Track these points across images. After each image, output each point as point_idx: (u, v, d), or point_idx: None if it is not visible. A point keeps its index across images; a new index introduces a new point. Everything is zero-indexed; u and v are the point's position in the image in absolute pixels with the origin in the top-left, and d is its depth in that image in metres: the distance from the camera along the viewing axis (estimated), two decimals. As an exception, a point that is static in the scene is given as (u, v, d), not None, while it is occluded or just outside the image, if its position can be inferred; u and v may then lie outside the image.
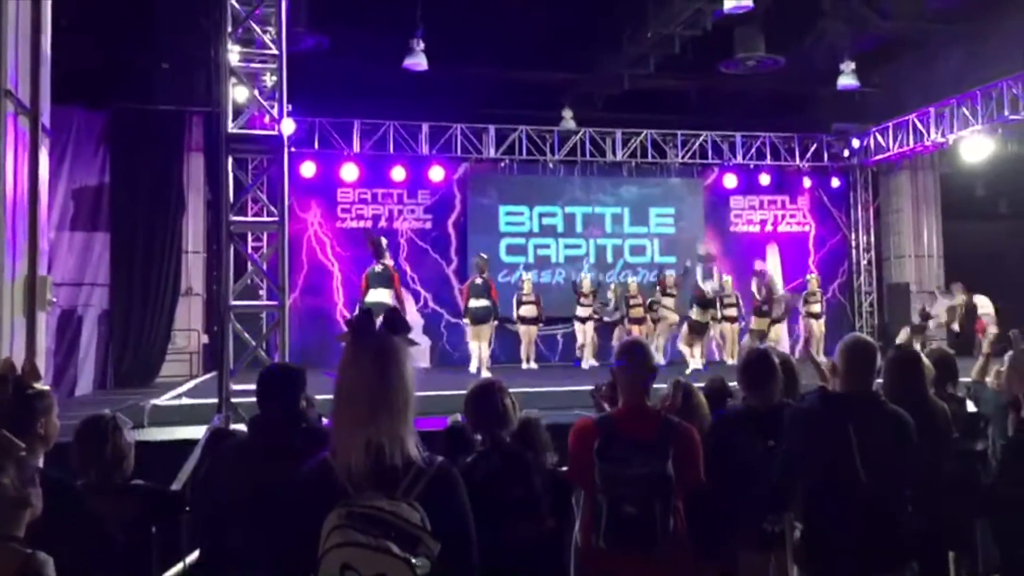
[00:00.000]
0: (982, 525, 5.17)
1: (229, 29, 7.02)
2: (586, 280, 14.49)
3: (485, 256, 13.11)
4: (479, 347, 12.44)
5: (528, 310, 13.75)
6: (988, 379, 5.32)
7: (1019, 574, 3.78)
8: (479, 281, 12.54)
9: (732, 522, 4.09)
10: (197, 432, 6.23)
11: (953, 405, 4.84)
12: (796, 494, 3.59)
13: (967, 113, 13.83)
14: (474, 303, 12.44)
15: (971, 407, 5.22)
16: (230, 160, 6.85)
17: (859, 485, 3.32)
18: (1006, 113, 12.96)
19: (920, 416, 3.73)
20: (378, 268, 10.67)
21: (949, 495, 4.37)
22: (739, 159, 16.50)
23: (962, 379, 5.58)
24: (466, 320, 12.82)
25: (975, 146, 14.08)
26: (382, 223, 15.61)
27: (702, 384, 4.76)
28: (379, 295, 10.36)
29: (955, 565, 5.76)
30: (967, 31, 13.33)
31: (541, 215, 16.22)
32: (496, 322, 12.91)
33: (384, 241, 11.33)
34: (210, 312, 13.18)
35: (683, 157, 16.26)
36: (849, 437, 3.33)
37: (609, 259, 16.25)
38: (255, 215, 11.47)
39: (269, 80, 7.86)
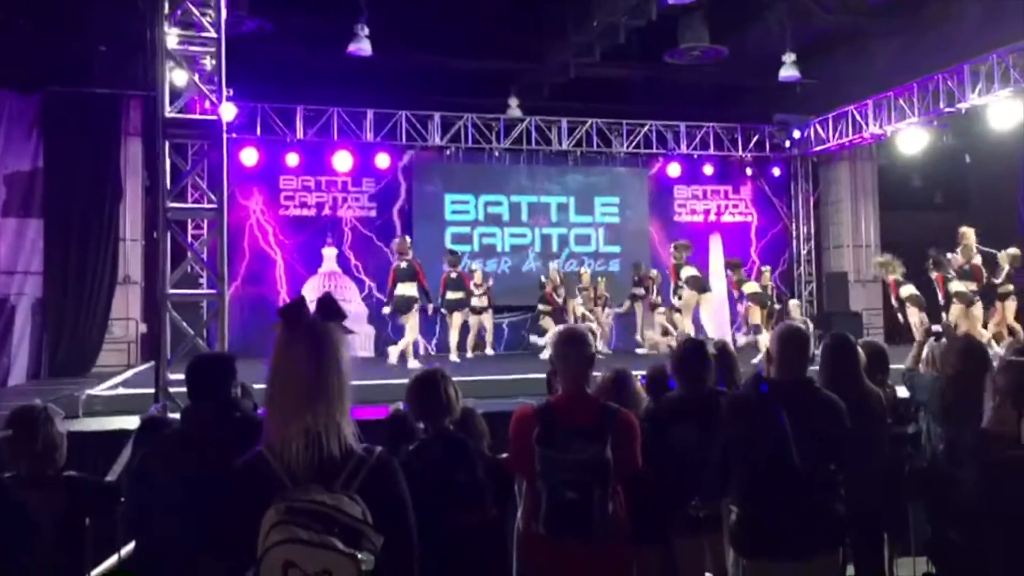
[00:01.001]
0: (915, 507, 5.31)
1: (166, 11, 6.87)
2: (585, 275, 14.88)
3: (457, 252, 13.81)
4: (453, 334, 13.08)
5: (477, 300, 13.76)
6: (921, 366, 5.45)
7: (949, 554, 3.88)
8: (454, 275, 13.14)
9: (669, 507, 4.15)
10: (133, 423, 6.10)
11: (886, 391, 4.96)
12: (733, 479, 3.65)
13: (904, 105, 14.12)
14: (451, 295, 13.05)
15: (904, 393, 5.35)
16: (167, 145, 6.71)
17: (793, 469, 3.39)
18: (941, 106, 13.26)
19: (855, 401, 3.81)
20: (403, 264, 11.66)
21: (882, 478, 4.48)
22: (683, 149, 16.64)
23: (896, 366, 5.72)
24: (444, 310, 13.28)
25: (911, 138, 14.40)
26: (326, 211, 15.46)
27: (642, 372, 4.80)
28: (406, 288, 11.54)
29: (889, 546, 5.91)
30: (905, 25, 13.59)
31: (487, 204, 16.20)
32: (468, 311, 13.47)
33: (408, 240, 12.40)
34: (148, 301, 12.93)
35: (628, 146, 16.35)
36: (784, 423, 3.40)
37: (555, 248, 16.30)
38: (195, 202, 11.27)
39: (209, 64, 7.69)
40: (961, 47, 12.71)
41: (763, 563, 3.50)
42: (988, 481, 2.73)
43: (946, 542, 3.70)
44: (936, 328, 5.55)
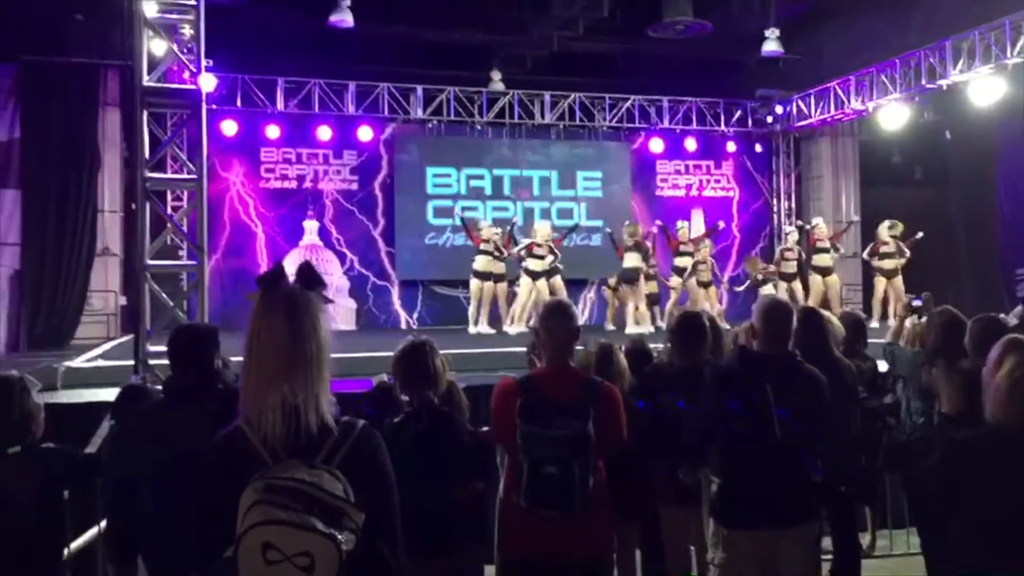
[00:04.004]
0: (891, 478, 5.37)
1: (144, -22, 6.76)
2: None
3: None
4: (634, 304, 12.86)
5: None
6: (901, 341, 5.49)
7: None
8: (630, 242, 12.79)
9: (654, 479, 4.17)
10: (112, 395, 6.06)
11: (865, 364, 5.00)
12: (713, 449, 3.67)
13: (886, 81, 14.13)
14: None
15: (884, 367, 5.39)
16: (145, 115, 6.62)
17: (774, 441, 3.41)
18: (923, 82, 13.27)
19: (827, 374, 3.83)
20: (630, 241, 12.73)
21: (859, 450, 4.52)
22: (666, 123, 16.60)
23: (877, 340, 5.76)
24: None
25: (893, 114, 14.41)
26: (307, 183, 15.33)
27: (623, 344, 4.81)
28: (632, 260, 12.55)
29: (871, 518, 5.99)
30: (887, 0, 13.57)
31: (469, 177, 16.11)
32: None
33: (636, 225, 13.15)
34: (128, 273, 12.82)
35: (611, 121, 16.29)
36: (766, 395, 3.41)
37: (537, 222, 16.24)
38: (175, 173, 11.15)
39: (188, 33, 7.59)
40: (944, 23, 12.70)
41: (742, 532, 3.53)
42: (945, 464, 2.76)
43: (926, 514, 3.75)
44: (916, 303, 5.57)
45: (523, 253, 12.67)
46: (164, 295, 6.81)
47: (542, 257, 12.59)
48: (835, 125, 16.66)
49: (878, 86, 14.32)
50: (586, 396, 3.31)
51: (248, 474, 1.94)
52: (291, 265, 2.10)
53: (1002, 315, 4.77)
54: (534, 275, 12.54)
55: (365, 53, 14.08)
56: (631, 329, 12.13)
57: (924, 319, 5.19)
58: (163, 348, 3.55)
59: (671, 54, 15.23)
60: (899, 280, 13.08)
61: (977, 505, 2.52)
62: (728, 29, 14.04)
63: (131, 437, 3.24)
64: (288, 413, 1.99)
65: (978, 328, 3.88)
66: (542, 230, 12.91)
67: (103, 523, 4.17)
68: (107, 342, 11.80)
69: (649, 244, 13.24)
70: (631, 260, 12.68)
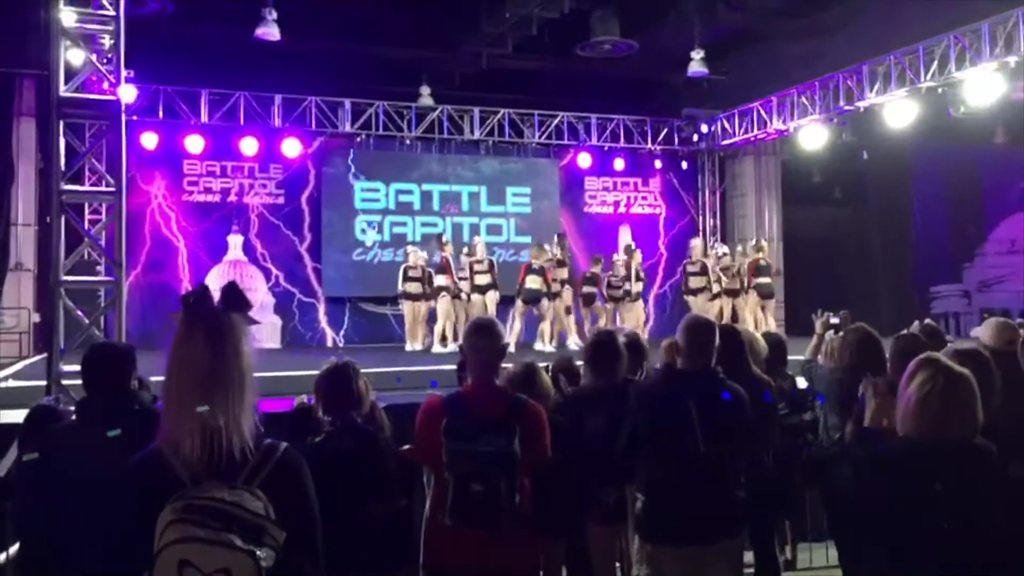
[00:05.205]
0: (811, 493, 5.47)
1: (61, -14, 6.57)
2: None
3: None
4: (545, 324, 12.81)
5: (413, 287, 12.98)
6: (820, 357, 5.62)
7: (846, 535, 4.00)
8: (535, 265, 12.65)
9: (580, 497, 4.18)
10: (23, 416, 5.86)
11: (785, 382, 5.11)
12: (639, 466, 3.70)
13: (806, 103, 14.56)
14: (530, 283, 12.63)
15: (803, 383, 5.51)
16: (61, 125, 6.43)
17: (698, 456, 3.46)
18: (841, 104, 13.72)
19: (744, 391, 3.90)
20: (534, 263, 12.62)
21: (779, 466, 4.60)
22: (594, 140, 16.78)
23: (796, 357, 5.89)
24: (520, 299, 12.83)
25: (813, 134, 14.85)
26: (232, 197, 15.06)
27: (546, 363, 4.81)
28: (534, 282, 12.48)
29: (791, 531, 6.10)
30: (809, 26, 13.98)
31: (398, 192, 16.04)
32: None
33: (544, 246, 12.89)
34: (42, 289, 12.41)
35: (540, 137, 16.41)
36: (690, 411, 3.46)
37: (466, 238, 16.22)
38: (93, 186, 10.86)
39: (107, 43, 7.40)
40: (861, 48, 13.17)
41: (667, 549, 3.56)
42: (856, 477, 2.82)
43: (842, 523, 3.83)
44: (834, 320, 5.71)
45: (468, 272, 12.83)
46: (79, 312, 6.61)
47: (484, 272, 12.75)
48: (758, 144, 17.07)
49: (799, 107, 14.74)
50: (512, 413, 3.32)
51: (167, 496, 1.92)
52: (215, 279, 2.08)
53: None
54: (480, 289, 12.64)
55: (292, 66, 13.94)
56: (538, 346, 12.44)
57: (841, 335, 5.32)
58: (77, 368, 3.44)
59: (599, 72, 15.42)
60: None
61: (887, 518, 2.58)
62: (655, 49, 14.30)
63: (42, 460, 3.13)
64: (209, 435, 1.97)
65: (899, 346, 3.99)
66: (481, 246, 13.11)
67: (11, 549, 4.01)
68: (19, 361, 11.41)
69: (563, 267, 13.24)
70: (533, 282, 12.66)
